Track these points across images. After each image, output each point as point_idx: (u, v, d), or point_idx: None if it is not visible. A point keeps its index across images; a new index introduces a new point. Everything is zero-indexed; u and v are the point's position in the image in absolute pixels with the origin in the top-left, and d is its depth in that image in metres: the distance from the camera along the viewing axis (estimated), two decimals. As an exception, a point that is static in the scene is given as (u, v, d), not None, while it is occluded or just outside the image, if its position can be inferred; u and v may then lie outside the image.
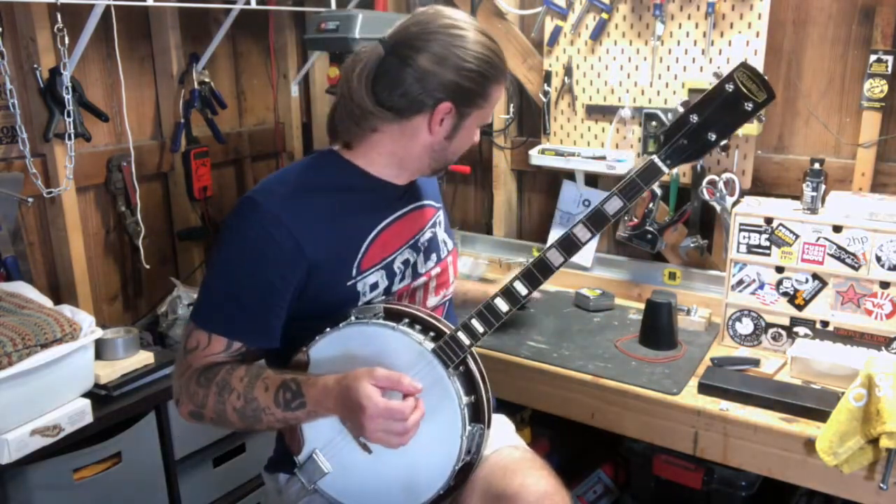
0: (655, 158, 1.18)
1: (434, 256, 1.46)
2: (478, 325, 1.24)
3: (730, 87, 1.12)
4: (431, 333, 1.26)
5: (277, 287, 1.27)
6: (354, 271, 1.31)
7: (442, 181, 1.63)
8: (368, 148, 1.35)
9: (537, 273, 1.24)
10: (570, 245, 1.22)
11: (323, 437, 1.31)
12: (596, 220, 1.21)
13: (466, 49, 1.26)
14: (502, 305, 1.24)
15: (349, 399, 1.15)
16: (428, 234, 1.45)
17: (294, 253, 1.25)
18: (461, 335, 1.24)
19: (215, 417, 1.28)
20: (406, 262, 1.39)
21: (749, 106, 1.12)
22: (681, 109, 1.19)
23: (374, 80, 1.27)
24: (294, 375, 1.24)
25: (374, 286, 1.34)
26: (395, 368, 1.19)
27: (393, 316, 1.28)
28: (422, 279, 1.43)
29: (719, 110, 1.14)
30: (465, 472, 1.30)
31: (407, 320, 1.27)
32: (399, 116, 1.29)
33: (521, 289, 1.24)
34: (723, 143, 1.19)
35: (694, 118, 1.15)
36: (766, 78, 1.11)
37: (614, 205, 1.20)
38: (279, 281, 1.26)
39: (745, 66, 1.11)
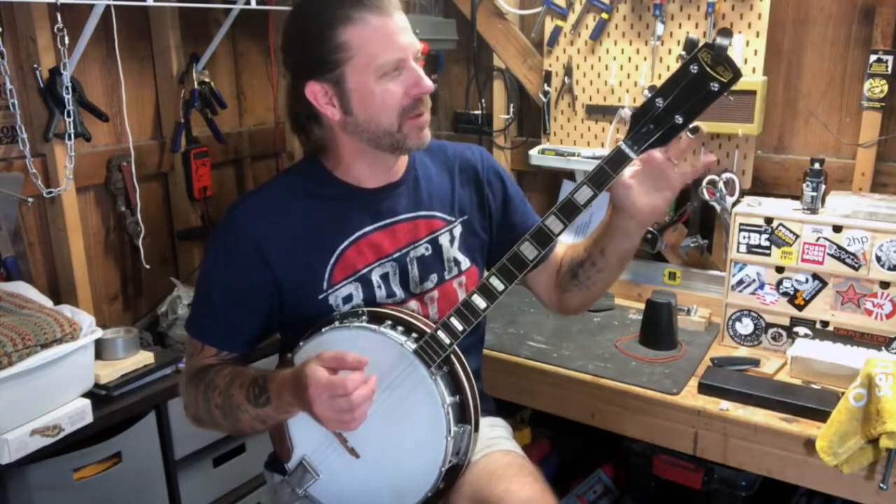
0: (622, 144, 1.15)
1: (434, 277, 1.38)
2: (457, 324, 1.22)
3: (694, 69, 1.09)
4: (414, 334, 1.25)
5: (244, 293, 1.29)
6: (325, 284, 1.30)
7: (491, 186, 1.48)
8: (331, 152, 1.35)
9: (512, 268, 1.21)
10: (542, 238, 1.19)
11: (312, 444, 1.32)
12: (567, 210, 1.18)
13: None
14: (480, 302, 1.21)
15: (299, 384, 1.13)
16: (421, 250, 1.37)
17: (258, 261, 1.28)
18: (441, 334, 1.22)
19: (206, 418, 1.31)
20: (385, 277, 1.34)
21: (715, 86, 1.09)
22: (648, 94, 1.15)
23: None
24: (265, 372, 1.24)
25: (349, 298, 1.32)
26: (376, 371, 1.17)
27: (376, 319, 1.27)
28: (413, 302, 1.36)
29: (684, 93, 1.11)
30: (453, 473, 1.30)
31: (389, 322, 1.26)
32: (309, 119, 1.30)
33: (498, 284, 1.21)
34: (691, 126, 1.16)
35: (659, 102, 1.12)
36: (731, 57, 1.09)
37: (584, 194, 1.17)
38: (246, 287, 1.29)
39: (708, 46, 1.08)
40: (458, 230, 1.41)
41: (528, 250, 1.20)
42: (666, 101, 1.12)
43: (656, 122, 1.13)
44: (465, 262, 1.42)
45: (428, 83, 1.23)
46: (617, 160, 1.16)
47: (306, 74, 1.24)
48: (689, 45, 1.13)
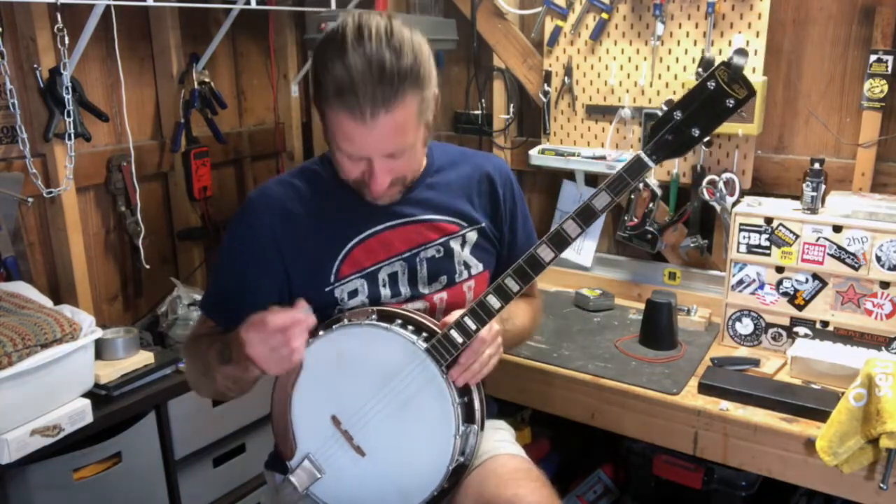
0: (642, 154, 1.20)
1: (443, 279, 1.39)
2: (470, 323, 1.23)
3: (711, 85, 1.15)
4: (424, 334, 1.26)
5: (252, 274, 1.33)
6: (333, 277, 1.32)
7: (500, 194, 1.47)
8: None
9: (528, 269, 1.23)
10: (560, 241, 1.22)
11: (316, 441, 1.32)
12: (585, 215, 1.22)
13: (327, 58, 1.17)
14: (494, 302, 1.23)
15: (241, 331, 1.16)
16: (432, 252, 1.38)
17: (272, 251, 1.31)
18: (454, 333, 1.23)
19: (195, 383, 1.39)
20: (393, 276, 1.36)
21: (730, 102, 1.15)
22: (665, 107, 1.19)
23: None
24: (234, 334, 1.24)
25: (354, 293, 1.33)
26: (387, 369, 1.20)
27: (385, 317, 1.28)
28: (420, 302, 1.38)
29: (702, 107, 1.17)
30: (458, 473, 1.30)
31: (399, 321, 1.27)
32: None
33: (513, 285, 1.23)
34: (706, 138, 1.19)
35: (678, 115, 1.18)
36: (746, 76, 1.14)
37: (602, 200, 1.21)
38: (254, 269, 1.33)
39: (725, 65, 1.14)
40: (471, 236, 1.42)
41: (544, 252, 1.23)
42: (684, 114, 1.18)
43: (675, 133, 1.19)
44: (477, 267, 1.43)
45: (378, 188, 1.24)
46: (636, 168, 1.19)
47: (315, 87, 1.23)
48: (706, 63, 1.19)
